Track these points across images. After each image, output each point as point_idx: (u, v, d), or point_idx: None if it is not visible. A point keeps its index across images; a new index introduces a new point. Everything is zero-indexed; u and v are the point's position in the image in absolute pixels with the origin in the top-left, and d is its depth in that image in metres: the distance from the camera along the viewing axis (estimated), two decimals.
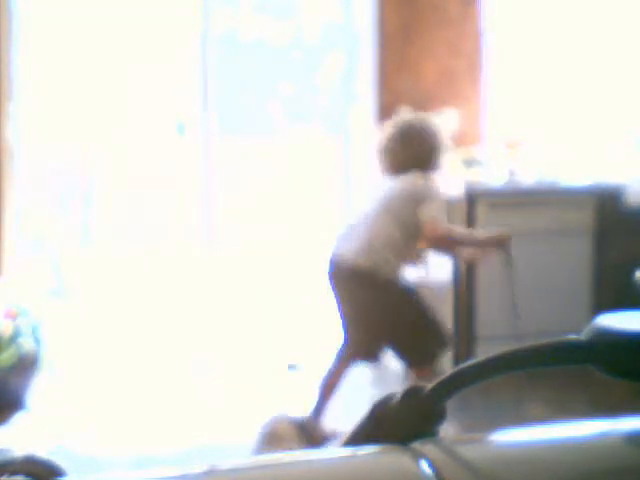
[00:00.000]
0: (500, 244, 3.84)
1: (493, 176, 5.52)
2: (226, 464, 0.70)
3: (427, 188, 3.80)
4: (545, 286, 5.30)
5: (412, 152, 3.92)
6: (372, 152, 5.77)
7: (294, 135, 6.11)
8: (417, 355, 3.91)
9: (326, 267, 3.92)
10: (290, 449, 3.57)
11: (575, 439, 0.72)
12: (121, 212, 5.96)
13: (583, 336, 0.77)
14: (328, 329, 5.76)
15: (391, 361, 5.31)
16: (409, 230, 3.76)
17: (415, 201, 3.74)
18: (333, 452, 0.73)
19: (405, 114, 4.21)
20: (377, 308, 3.82)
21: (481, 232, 4.23)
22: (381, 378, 5.20)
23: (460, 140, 5.69)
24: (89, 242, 5.98)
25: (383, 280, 3.77)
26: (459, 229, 4.18)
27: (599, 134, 6.12)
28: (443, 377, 0.78)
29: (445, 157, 4.01)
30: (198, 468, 0.69)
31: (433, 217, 3.70)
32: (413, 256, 3.88)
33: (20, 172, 5.36)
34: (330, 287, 3.95)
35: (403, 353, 3.96)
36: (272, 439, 3.79)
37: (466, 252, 4.12)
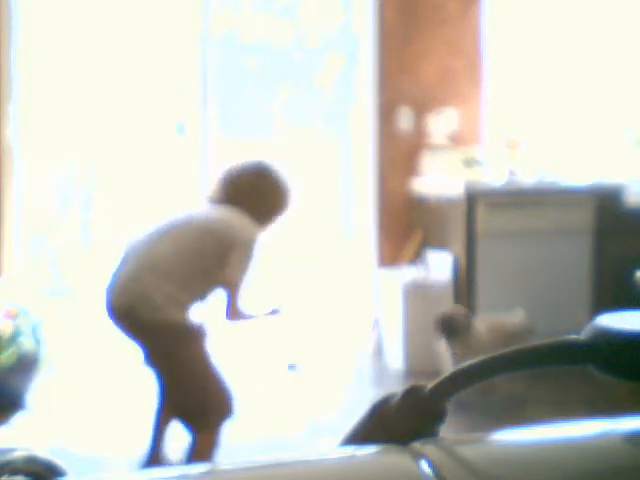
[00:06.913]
0: (276, 314, 3.59)
1: (493, 176, 5.53)
2: (226, 464, 0.70)
3: (253, 241, 3.33)
4: (545, 286, 5.30)
5: (260, 198, 3.51)
6: (372, 152, 5.78)
7: (294, 135, 6.11)
8: (199, 419, 3.35)
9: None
10: None
11: (575, 439, 0.72)
12: (121, 212, 5.96)
13: (583, 336, 0.77)
14: (328, 329, 5.77)
15: (391, 361, 5.31)
16: (207, 269, 3.29)
17: (231, 246, 3.28)
18: (333, 452, 0.73)
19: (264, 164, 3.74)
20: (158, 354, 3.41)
21: (261, 310, 3.61)
22: (381, 378, 5.21)
23: (460, 140, 5.70)
24: (89, 242, 5.98)
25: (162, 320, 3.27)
26: (246, 308, 3.47)
27: (599, 134, 6.12)
28: (443, 377, 0.78)
29: (279, 218, 3.55)
30: (198, 468, 0.69)
31: (235, 281, 3.28)
32: (200, 296, 3.35)
33: (20, 172, 5.36)
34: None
35: (183, 414, 3.40)
36: None
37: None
